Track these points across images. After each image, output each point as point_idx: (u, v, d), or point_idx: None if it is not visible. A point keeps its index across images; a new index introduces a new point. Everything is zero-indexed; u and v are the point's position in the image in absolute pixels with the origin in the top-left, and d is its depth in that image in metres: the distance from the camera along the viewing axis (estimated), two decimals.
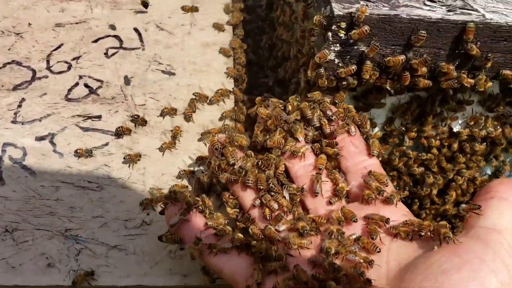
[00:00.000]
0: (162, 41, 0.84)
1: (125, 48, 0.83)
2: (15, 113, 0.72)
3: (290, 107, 0.59)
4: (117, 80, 0.78)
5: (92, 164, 0.68)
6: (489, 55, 0.62)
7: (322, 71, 0.60)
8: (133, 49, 0.83)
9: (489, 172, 0.83)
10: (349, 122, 0.58)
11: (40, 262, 0.58)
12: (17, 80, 0.76)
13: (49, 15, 0.86)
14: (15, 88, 0.75)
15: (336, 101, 0.61)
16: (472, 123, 0.73)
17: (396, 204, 0.54)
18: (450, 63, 0.62)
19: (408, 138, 0.74)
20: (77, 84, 0.77)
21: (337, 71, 0.60)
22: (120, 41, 0.84)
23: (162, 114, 0.74)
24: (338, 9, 0.58)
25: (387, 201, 0.53)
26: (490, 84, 0.64)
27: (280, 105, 0.60)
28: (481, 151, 0.75)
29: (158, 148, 0.70)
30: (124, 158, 0.68)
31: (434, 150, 0.76)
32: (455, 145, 0.75)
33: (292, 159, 0.57)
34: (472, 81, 0.63)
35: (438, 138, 0.74)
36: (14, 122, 0.71)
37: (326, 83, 0.60)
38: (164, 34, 0.86)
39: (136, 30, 0.86)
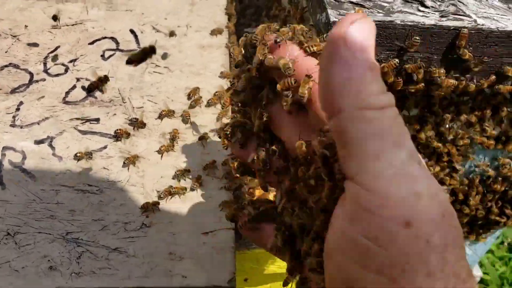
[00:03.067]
0: (159, 42, 0.85)
1: (121, 50, 0.83)
2: (14, 117, 0.73)
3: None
4: (114, 82, 0.78)
5: (91, 167, 0.68)
6: (485, 59, 0.63)
7: None
8: (130, 50, 0.83)
9: None
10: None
11: (42, 265, 0.59)
12: (15, 83, 0.77)
13: (45, 17, 0.86)
14: (13, 91, 0.76)
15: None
16: None
17: None
18: (442, 67, 0.63)
19: None
20: (74, 86, 0.77)
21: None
22: (117, 42, 0.84)
23: (160, 116, 0.74)
24: (334, 16, 0.59)
25: None
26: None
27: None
28: None
29: (157, 151, 0.71)
30: (124, 163, 0.69)
31: None
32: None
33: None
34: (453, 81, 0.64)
35: None
36: (13, 125, 0.72)
37: None
38: (161, 35, 0.86)
39: (132, 31, 0.86)
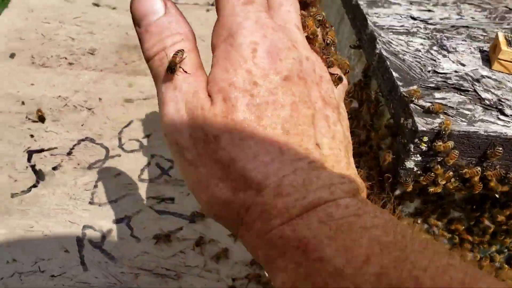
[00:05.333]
0: None
1: None
2: (92, 194, 0.75)
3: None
4: None
5: (168, 250, 0.70)
6: None
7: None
8: None
9: None
10: None
11: None
12: (92, 158, 0.79)
13: (117, 89, 0.90)
14: (90, 167, 0.78)
15: None
16: None
17: None
18: None
19: None
20: (149, 164, 0.80)
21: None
22: None
23: None
24: (421, 125, 0.61)
25: None
26: None
27: None
28: None
29: (228, 235, 0.73)
30: (197, 245, 0.70)
31: None
32: None
33: None
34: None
35: None
36: (91, 203, 0.74)
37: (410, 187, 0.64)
38: None
39: None
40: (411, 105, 0.63)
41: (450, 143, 0.60)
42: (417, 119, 0.62)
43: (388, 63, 0.71)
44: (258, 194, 0.33)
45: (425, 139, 0.62)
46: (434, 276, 0.26)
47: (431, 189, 0.66)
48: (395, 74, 0.69)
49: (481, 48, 0.79)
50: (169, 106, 0.36)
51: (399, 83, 0.68)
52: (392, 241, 0.28)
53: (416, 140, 0.62)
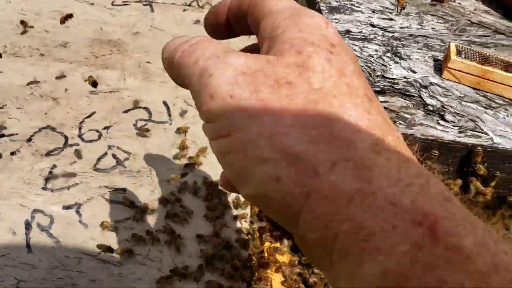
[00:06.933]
0: (189, 116, 0.90)
1: (153, 121, 0.88)
2: (46, 180, 0.77)
3: None
4: (144, 153, 0.83)
5: (114, 238, 0.72)
6: (496, 173, 0.66)
7: None
8: (162, 122, 0.88)
9: None
10: None
11: None
12: (51, 146, 0.81)
13: (84, 82, 0.92)
14: (48, 154, 0.80)
15: None
16: None
17: None
18: (459, 179, 0.66)
19: None
20: (105, 154, 0.82)
21: None
22: (150, 113, 0.89)
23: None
24: None
25: None
26: None
27: None
28: None
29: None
30: (144, 236, 0.72)
31: None
32: None
33: None
34: None
35: None
36: (44, 188, 0.76)
37: None
38: (191, 109, 0.91)
39: (165, 103, 0.91)
40: None
41: None
42: None
43: None
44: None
45: None
46: None
47: None
48: None
49: (436, 57, 0.80)
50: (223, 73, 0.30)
51: None
52: None
53: None
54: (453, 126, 0.66)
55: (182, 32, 1.07)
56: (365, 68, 0.73)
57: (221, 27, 0.38)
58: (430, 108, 0.68)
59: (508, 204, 0.73)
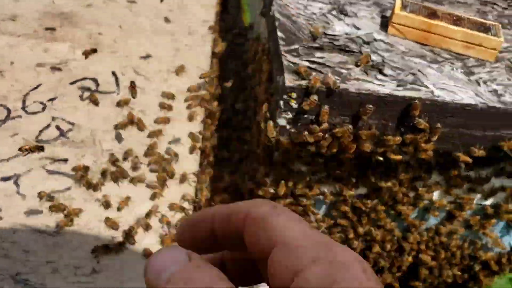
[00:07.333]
0: (139, 86, 0.87)
1: (100, 92, 0.86)
2: None
3: None
4: (89, 123, 0.81)
5: (52, 208, 0.70)
6: (438, 125, 0.64)
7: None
8: (109, 92, 0.86)
9: None
10: None
11: None
12: None
13: (32, 54, 0.90)
14: None
15: None
16: None
17: None
18: (397, 135, 0.64)
19: None
20: (49, 125, 0.80)
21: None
22: (97, 84, 0.87)
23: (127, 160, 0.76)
24: (289, 80, 0.60)
25: None
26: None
27: None
28: None
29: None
30: None
31: None
32: None
33: None
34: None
35: None
36: None
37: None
38: (141, 79, 0.89)
39: (113, 73, 0.89)
40: (284, 62, 0.63)
41: (314, 97, 0.59)
42: (287, 75, 0.61)
43: (277, 24, 0.70)
44: None
45: (294, 95, 0.61)
46: None
47: (311, 148, 0.65)
48: (279, 34, 0.68)
49: (384, 14, 0.78)
50: None
51: (282, 43, 0.67)
52: None
53: (285, 96, 0.61)
54: (392, 80, 0.64)
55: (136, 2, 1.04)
56: (306, 26, 0.71)
57: (204, 242, 0.31)
58: (370, 63, 0.66)
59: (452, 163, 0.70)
